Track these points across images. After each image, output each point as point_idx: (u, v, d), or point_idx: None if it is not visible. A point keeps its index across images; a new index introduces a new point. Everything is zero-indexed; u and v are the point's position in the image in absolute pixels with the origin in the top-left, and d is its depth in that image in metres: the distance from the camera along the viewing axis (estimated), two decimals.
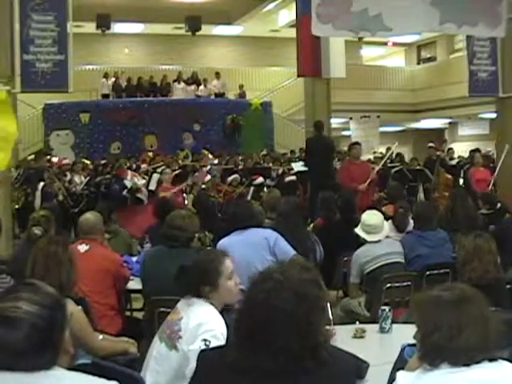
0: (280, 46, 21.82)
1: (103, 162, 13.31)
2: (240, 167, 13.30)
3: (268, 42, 22.65)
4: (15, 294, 1.72)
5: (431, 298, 1.96)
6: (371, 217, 4.99)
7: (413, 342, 2.08)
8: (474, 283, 2.96)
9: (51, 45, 7.73)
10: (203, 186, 10.79)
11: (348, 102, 17.82)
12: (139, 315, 4.82)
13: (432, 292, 1.99)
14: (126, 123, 17.50)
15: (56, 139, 17.12)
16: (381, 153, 14.32)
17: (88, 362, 2.61)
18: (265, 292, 1.85)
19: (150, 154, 15.33)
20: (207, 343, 2.64)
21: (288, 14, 19.48)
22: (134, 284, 4.67)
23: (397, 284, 4.61)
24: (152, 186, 9.91)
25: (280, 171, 12.78)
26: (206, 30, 20.73)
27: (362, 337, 3.39)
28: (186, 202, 9.50)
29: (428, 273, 4.72)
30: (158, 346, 2.83)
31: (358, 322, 3.79)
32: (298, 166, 11.52)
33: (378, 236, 4.90)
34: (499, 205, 7.04)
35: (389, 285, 4.58)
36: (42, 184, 10.03)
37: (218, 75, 19.94)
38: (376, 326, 3.51)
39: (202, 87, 19.66)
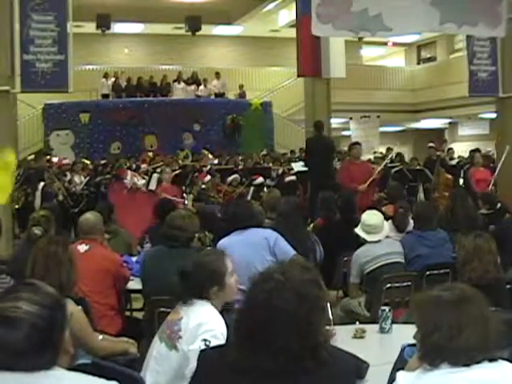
0: (280, 46, 21.80)
1: (103, 162, 13.31)
2: (240, 167, 13.28)
3: (268, 42, 22.63)
4: (15, 294, 1.72)
5: (431, 298, 1.96)
6: (371, 217, 4.99)
7: (413, 342, 2.08)
8: (474, 283, 2.96)
9: (51, 45, 7.74)
10: (203, 186, 10.78)
11: (348, 102, 17.81)
12: (139, 315, 4.82)
13: (432, 292, 1.99)
14: (126, 123, 17.49)
15: (56, 139, 17.11)
16: (381, 153, 14.30)
17: (88, 362, 2.61)
18: (266, 292, 1.85)
19: (150, 153, 15.31)
20: (207, 343, 2.64)
21: (288, 14, 19.47)
22: (134, 284, 4.66)
23: (397, 284, 4.60)
24: (152, 186, 9.92)
25: (280, 171, 12.76)
26: (206, 30, 20.71)
27: (362, 337, 3.38)
28: (186, 202, 9.50)
29: (428, 273, 4.72)
30: (157, 346, 2.83)
31: (358, 322, 3.78)
32: (298, 166, 11.52)
33: (378, 236, 4.90)
34: (499, 205, 7.03)
35: (389, 285, 4.57)
36: (42, 184, 10.03)
37: (218, 75, 19.92)
38: (376, 326, 3.51)
39: (201, 87, 19.65)
